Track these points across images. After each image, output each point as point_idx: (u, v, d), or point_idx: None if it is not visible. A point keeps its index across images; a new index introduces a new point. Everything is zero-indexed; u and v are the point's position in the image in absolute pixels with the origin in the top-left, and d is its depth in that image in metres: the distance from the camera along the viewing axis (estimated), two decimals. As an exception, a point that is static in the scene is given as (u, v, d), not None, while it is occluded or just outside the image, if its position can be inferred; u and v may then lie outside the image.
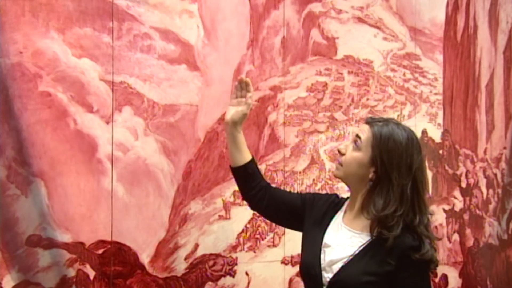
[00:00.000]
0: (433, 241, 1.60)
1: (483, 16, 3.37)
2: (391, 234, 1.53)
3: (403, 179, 1.56)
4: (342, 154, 1.65)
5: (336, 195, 1.85)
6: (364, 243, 1.59)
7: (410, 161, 1.57)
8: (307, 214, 1.80)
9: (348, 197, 1.77)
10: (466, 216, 3.26)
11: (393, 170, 1.55)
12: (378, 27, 2.91)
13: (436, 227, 3.07)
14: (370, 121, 1.64)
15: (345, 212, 1.72)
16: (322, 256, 1.64)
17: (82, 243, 1.93)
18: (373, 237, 1.58)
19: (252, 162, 1.88)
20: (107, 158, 2.00)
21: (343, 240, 1.63)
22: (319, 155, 2.65)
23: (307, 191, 2.58)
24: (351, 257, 1.58)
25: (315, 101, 2.65)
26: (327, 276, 1.60)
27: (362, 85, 2.83)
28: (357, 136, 1.62)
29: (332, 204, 1.78)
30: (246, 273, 2.37)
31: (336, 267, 1.59)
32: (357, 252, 1.58)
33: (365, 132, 1.61)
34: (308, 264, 1.67)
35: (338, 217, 1.72)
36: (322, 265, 1.62)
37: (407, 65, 3.03)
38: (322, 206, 1.78)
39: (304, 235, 1.78)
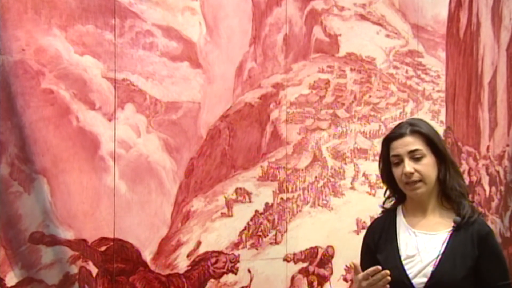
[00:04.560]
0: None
1: (486, 13, 3.36)
2: (468, 210, 1.63)
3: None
4: (412, 173, 1.62)
5: (374, 221, 1.82)
6: (445, 240, 1.62)
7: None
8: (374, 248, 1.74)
9: (394, 206, 1.74)
10: (468, 214, 3.25)
11: (447, 153, 1.69)
12: (380, 24, 2.90)
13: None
14: (404, 132, 1.65)
15: (405, 217, 1.71)
16: (406, 267, 1.63)
17: (84, 240, 1.94)
18: (452, 230, 1.63)
19: None
20: (110, 155, 2.00)
21: (423, 245, 1.64)
22: (322, 153, 2.65)
23: (309, 188, 2.59)
24: (440, 257, 1.60)
25: (317, 98, 2.65)
26: (420, 281, 1.60)
27: (364, 82, 2.83)
28: (411, 151, 1.62)
29: (380, 225, 1.75)
30: (249, 270, 2.37)
31: (427, 272, 1.60)
32: (442, 250, 1.60)
33: (412, 142, 1.64)
34: (396, 279, 1.61)
35: (401, 226, 1.71)
36: (410, 276, 1.61)
37: (410, 62, 3.02)
38: (375, 233, 1.75)
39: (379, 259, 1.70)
